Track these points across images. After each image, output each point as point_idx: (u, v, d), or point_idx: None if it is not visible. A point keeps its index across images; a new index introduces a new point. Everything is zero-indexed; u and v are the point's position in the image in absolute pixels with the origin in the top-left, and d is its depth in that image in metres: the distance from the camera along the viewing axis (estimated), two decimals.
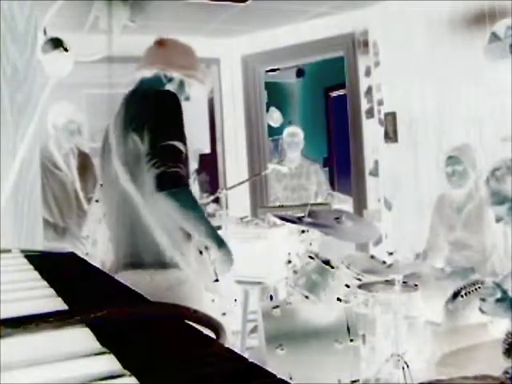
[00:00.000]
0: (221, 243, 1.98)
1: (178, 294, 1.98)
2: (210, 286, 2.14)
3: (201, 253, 2.03)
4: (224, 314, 2.65)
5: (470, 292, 2.23)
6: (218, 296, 2.49)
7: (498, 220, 2.35)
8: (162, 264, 1.99)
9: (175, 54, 2.21)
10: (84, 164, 3.33)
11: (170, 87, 2.15)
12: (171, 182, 1.86)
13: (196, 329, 0.46)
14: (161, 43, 2.23)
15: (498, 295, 2.04)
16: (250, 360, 0.38)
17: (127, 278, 1.95)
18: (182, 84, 2.18)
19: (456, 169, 3.15)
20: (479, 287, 2.15)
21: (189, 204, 1.92)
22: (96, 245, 2.95)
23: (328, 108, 7.29)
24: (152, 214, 1.98)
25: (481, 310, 2.15)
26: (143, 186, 1.96)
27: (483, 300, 2.09)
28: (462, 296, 2.31)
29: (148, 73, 2.16)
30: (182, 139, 1.94)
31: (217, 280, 2.06)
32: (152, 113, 1.98)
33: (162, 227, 1.99)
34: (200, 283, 2.08)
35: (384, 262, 2.89)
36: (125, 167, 1.99)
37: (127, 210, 2.02)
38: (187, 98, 2.21)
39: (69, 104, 3.30)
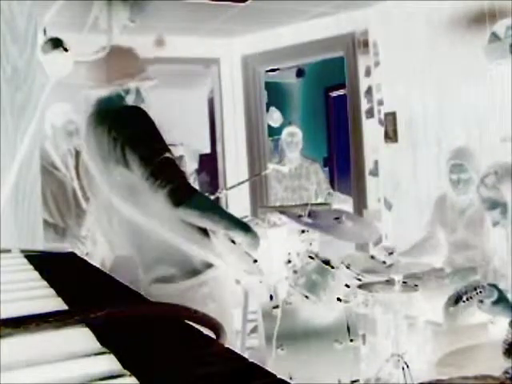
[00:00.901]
0: (247, 228, 1.99)
1: (210, 291, 1.99)
2: (252, 269, 2.15)
3: (233, 242, 2.03)
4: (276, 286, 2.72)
5: (471, 297, 2.24)
6: (262, 276, 2.52)
7: (495, 224, 2.37)
8: (193, 270, 2.00)
9: (125, 62, 2.11)
10: (82, 164, 3.33)
11: (129, 98, 2.09)
12: (185, 194, 1.87)
13: (196, 329, 0.46)
14: (106, 56, 2.03)
15: (495, 297, 2.06)
16: (250, 360, 0.38)
17: (159, 293, 1.97)
18: (138, 91, 2.12)
19: (461, 177, 3.14)
20: (481, 291, 2.16)
21: (207, 206, 1.96)
22: (96, 244, 2.95)
23: (328, 108, 7.29)
24: (167, 229, 1.96)
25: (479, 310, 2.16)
26: (149, 209, 1.95)
27: (481, 302, 2.11)
28: (464, 301, 2.32)
29: (104, 92, 2.06)
30: (167, 148, 1.93)
31: (256, 261, 2.08)
32: (129, 137, 1.92)
33: (183, 237, 1.97)
34: (234, 273, 2.09)
35: (384, 262, 2.89)
36: (121, 198, 1.96)
37: (140, 235, 1.99)
38: (143, 101, 2.13)
39: (67, 104, 3.30)
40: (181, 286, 1.99)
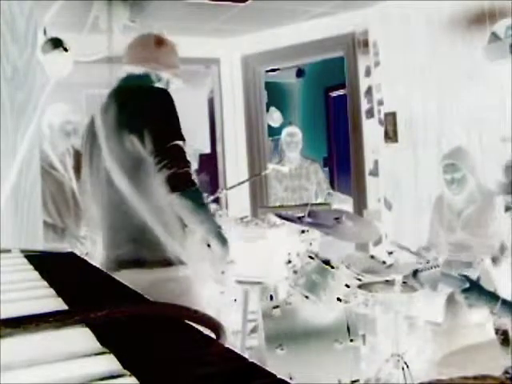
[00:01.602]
0: (224, 242, 2.04)
1: (180, 287, 2.00)
2: (218, 278, 2.22)
3: (209, 246, 2.07)
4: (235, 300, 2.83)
5: (426, 269, 2.32)
6: (225, 288, 2.59)
7: (508, 209, 2.39)
8: (166, 261, 2.01)
9: (165, 51, 2.20)
10: (80, 163, 3.32)
11: (158, 86, 2.16)
12: (185, 183, 1.92)
13: (196, 329, 0.46)
14: (152, 39, 2.20)
15: (466, 285, 2.10)
16: (250, 360, 0.38)
17: (128, 277, 1.97)
18: (168, 83, 2.20)
19: (455, 177, 3.14)
20: (437, 265, 2.26)
21: (200, 203, 1.99)
22: (96, 244, 2.95)
23: (328, 108, 7.29)
24: (152, 213, 1.99)
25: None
26: (142, 186, 1.97)
27: (455, 292, 2.16)
28: (420, 271, 2.38)
29: (137, 70, 2.15)
30: (183, 138, 1.98)
31: (223, 272, 2.16)
32: (152, 113, 1.98)
33: (163, 225, 2.00)
34: (205, 275, 2.11)
35: (384, 262, 2.89)
36: (121, 168, 1.99)
37: (124, 210, 2.02)
38: None
39: (65, 104, 3.29)
40: (150, 275, 1.98)
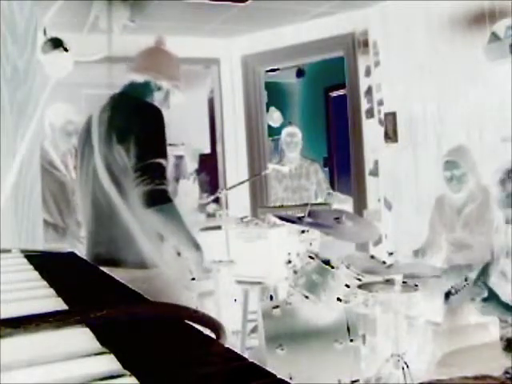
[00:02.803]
0: (197, 247, 2.16)
1: (154, 288, 2.06)
2: (187, 285, 2.36)
3: (179, 254, 2.24)
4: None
5: (459, 290, 2.29)
6: (195, 293, 2.83)
7: (508, 222, 2.38)
8: (140, 263, 2.10)
9: (167, 63, 2.30)
10: None
11: (157, 95, 2.25)
12: (160, 199, 2.03)
13: (196, 329, 0.46)
14: (155, 51, 2.31)
15: (485, 295, 2.08)
16: (250, 360, 0.38)
17: None
18: (167, 93, 2.28)
19: (454, 173, 3.14)
20: (467, 284, 2.23)
21: (174, 217, 2.09)
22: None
23: (328, 108, 7.29)
24: (132, 217, 2.08)
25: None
26: (126, 193, 2.08)
27: (473, 300, 2.14)
28: (453, 294, 2.36)
29: (139, 78, 2.24)
30: (166, 156, 2.09)
31: (193, 279, 2.29)
32: (140, 129, 2.07)
33: (142, 229, 2.10)
34: (176, 281, 2.23)
35: (384, 262, 2.89)
36: (108, 172, 2.09)
37: (107, 210, 2.11)
38: (168, 106, 2.31)
39: (67, 105, 3.29)
40: (126, 274, 2.04)
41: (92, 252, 2.20)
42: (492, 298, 2.09)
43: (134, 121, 2.09)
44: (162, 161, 2.05)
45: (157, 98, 2.25)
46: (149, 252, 2.11)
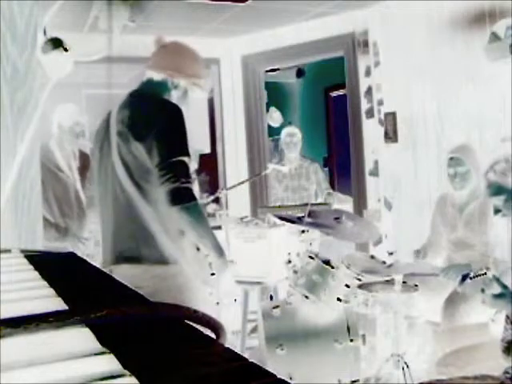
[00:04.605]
0: (221, 253, 2.16)
1: (175, 284, 2.09)
2: (207, 280, 2.32)
3: (198, 249, 2.20)
4: (218, 303, 3.00)
5: (477, 276, 2.28)
6: (214, 289, 2.81)
7: (496, 212, 2.37)
8: (161, 259, 2.09)
9: (186, 61, 2.26)
10: (85, 165, 3.33)
11: (175, 94, 2.23)
12: (185, 197, 2.02)
13: (196, 329, 0.46)
14: (175, 48, 2.28)
15: (498, 290, 2.06)
16: (250, 360, 0.38)
17: (125, 272, 2.08)
18: (185, 91, 2.26)
19: (458, 170, 3.13)
20: (485, 273, 2.22)
21: (199, 217, 2.09)
22: (98, 245, 2.96)
23: (328, 108, 7.29)
24: (152, 213, 2.07)
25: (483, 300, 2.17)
26: (145, 190, 2.06)
27: (483, 291, 2.12)
28: (471, 278, 2.35)
29: (157, 76, 2.22)
30: (189, 154, 2.08)
31: (213, 274, 2.27)
32: (163, 127, 2.06)
33: (162, 225, 2.08)
34: (195, 276, 2.20)
35: (384, 262, 2.89)
36: (127, 170, 2.07)
37: (128, 208, 2.10)
38: (187, 104, 2.28)
39: (75, 106, 3.31)
40: (146, 272, 2.07)
41: (114, 250, 2.18)
42: (504, 294, 2.07)
43: (155, 119, 2.08)
44: (185, 159, 2.05)
45: (174, 96, 2.23)
46: (170, 248, 2.10)
